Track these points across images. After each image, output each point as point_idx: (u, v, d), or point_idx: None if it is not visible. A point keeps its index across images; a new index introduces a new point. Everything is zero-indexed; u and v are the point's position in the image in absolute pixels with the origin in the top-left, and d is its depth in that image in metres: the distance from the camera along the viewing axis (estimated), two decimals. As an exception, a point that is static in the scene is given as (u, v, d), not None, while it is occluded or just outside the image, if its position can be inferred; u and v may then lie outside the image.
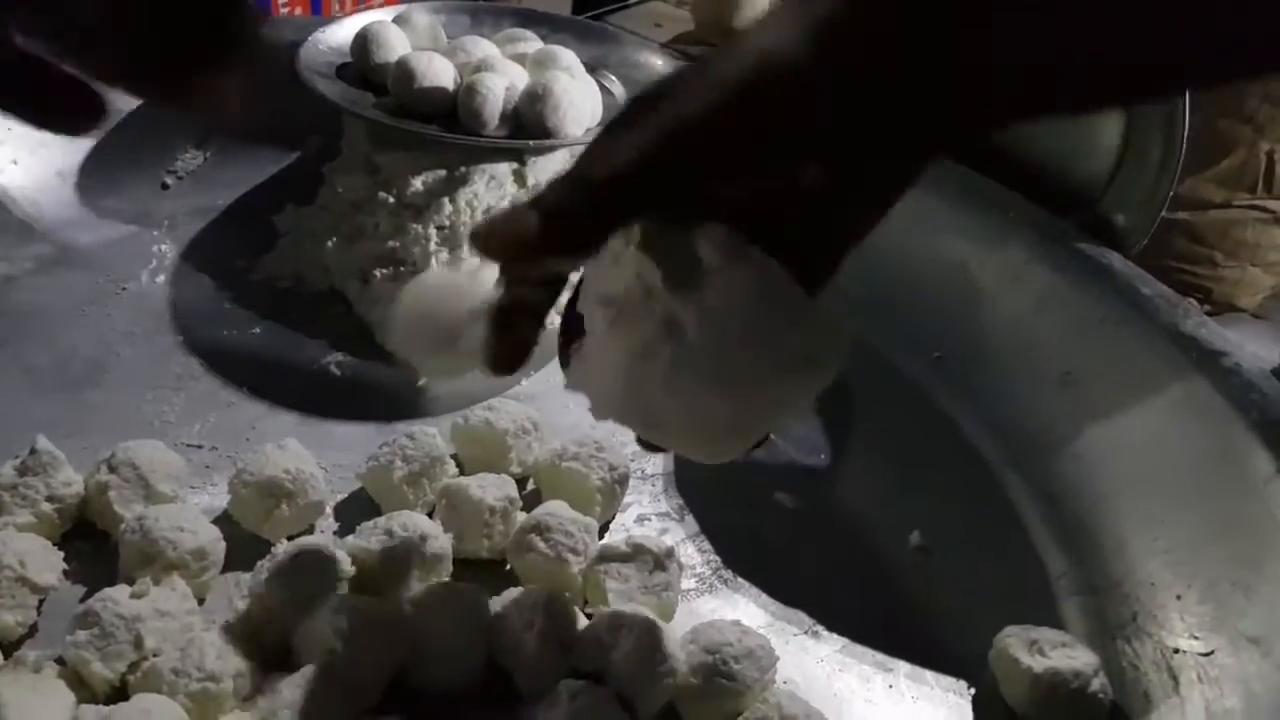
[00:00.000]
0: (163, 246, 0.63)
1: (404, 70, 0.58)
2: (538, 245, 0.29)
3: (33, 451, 0.44)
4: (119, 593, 0.39)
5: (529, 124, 0.57)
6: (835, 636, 0.46)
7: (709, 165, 0.30)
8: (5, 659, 0.39)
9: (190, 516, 0.43)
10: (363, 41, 0.62)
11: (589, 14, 1.11)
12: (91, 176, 0.65)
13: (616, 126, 0.31)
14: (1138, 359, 0.55)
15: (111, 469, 0.44)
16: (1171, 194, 0.61)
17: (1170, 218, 0.64)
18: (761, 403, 0.31)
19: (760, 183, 0.32)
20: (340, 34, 0.64)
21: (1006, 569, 0.51)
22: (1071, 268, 0.59)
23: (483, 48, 0.62)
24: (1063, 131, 0.66)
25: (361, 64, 0.62)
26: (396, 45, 0.61)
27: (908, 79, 0.29)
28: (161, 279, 0.61)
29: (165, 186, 0.67)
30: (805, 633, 0.46)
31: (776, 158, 0.30)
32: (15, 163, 0.63)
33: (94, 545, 0.45)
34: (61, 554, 0.42)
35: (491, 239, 0.30)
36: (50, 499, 0.43)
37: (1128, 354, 0.55)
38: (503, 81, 0.57)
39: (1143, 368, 0.54)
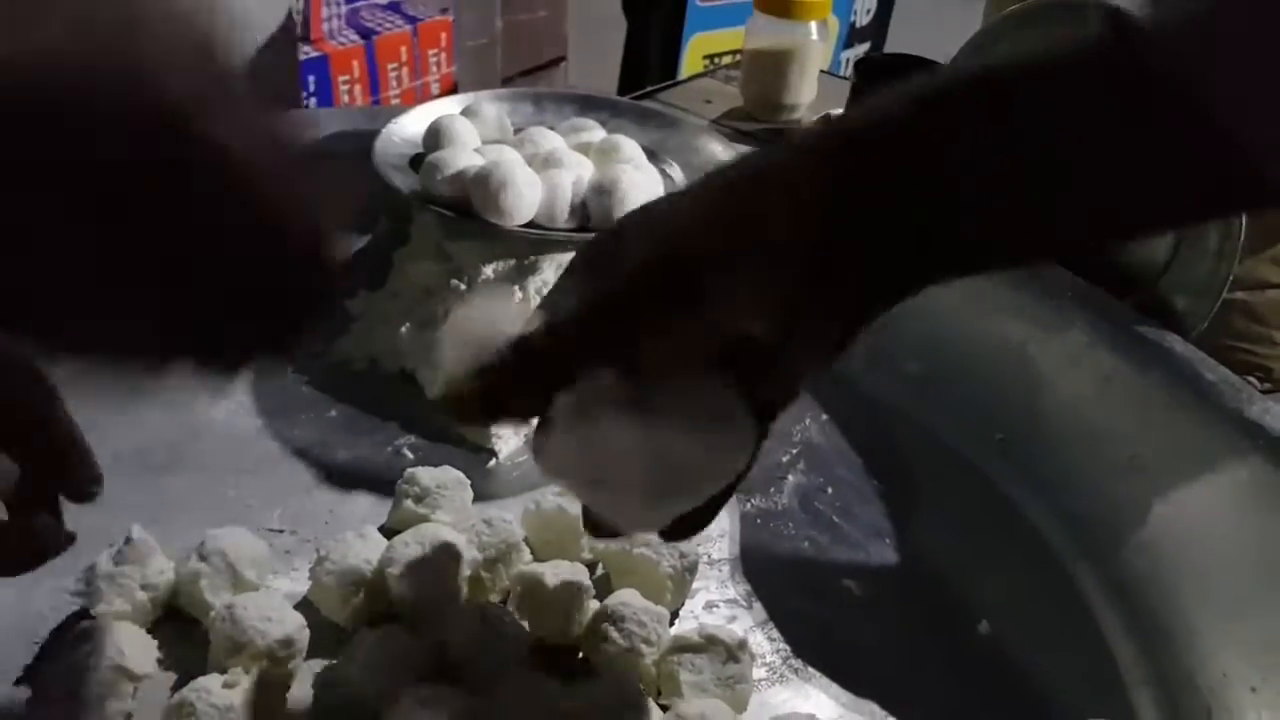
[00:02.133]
0: (241, 330, 0.65)
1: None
2: (489, 410, 0.34)
3: (128, 541, 0.46)
4: (212, 682, 0.41)
5: (596, 216, 0.59)
6: (907, 728, 0.46)
7: (634, 330, 0.33)
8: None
9: (276, 604, 0.44)
10: (434, 134, 0.64)
11: (639, 92, 1.14)
12: (174, 263, 0.68)
13: (558, 288, 0.36)
14: (1203, 444, 0.55)
15: (202, 557, 0.46)
16: (1231, 278, 0.62)
17: (1229, 297, 0.64)
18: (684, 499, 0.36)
19: (695, 340, 0.34)
20: (412, 127, 0.67)
21: (1076, 659, 0.51)
22: (1132, 351, 0.60)
23: (549, 139, 0.64)
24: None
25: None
26: (467, 139, 0.63)
27: (834, 256, 0.32)
28: (241, 363, 0.63)
29: (243, 271, 0.70)
30: (877, 724, 0.46)
31: (706, 317, 0.33)
32: (103, 251, 0.66)
33: (182, 631, 0.46)
34: (155, 642, 0.44)
35: (449, 404, 0.35)
36: (144, 587, 0.45)
37: (1193, 439, 0.55)
38: (570, 176, 0.59)
39: (1208, 453, 0.54)
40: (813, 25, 0.86)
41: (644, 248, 0.33)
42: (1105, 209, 0.32)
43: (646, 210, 0.36)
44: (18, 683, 0.43)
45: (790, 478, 0.59)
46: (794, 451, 0.61)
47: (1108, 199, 0.32)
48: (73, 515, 0.51)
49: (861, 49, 2.06)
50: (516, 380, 0.34)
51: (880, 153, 0.32)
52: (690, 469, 0.35)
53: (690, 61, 1.77)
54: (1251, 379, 0.79)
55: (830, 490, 0.59)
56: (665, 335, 0.33)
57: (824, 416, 0.64)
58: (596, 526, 0.42)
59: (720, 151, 0.75)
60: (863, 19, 2.06)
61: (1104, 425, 0.59)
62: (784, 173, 0.33)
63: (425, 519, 0.50)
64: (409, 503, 0.51)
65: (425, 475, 0.52)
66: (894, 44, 2.08)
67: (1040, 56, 0.32)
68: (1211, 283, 0.62)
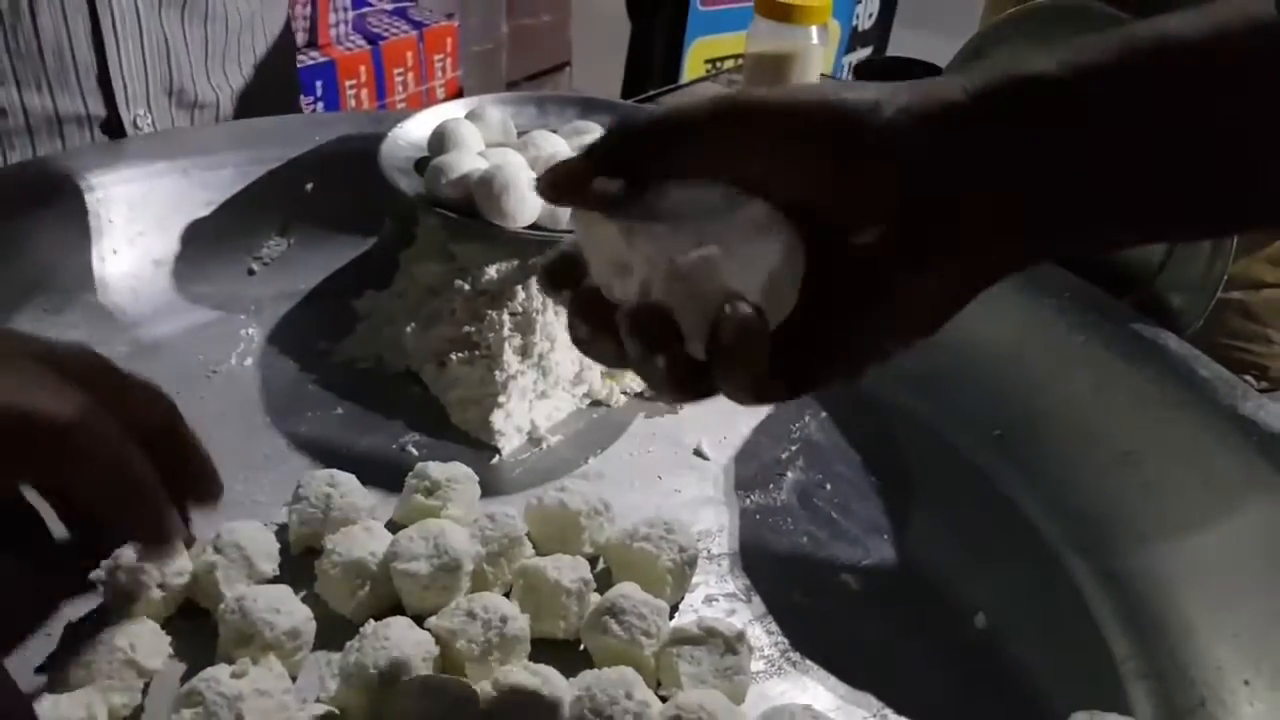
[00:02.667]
0: (250, 330, 0.67)
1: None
2: (584, 175, 0.34)
3: None
4: (220, 672, 0.42)
5: (598, 216, 0.60)
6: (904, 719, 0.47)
7: (756, 140, 0.34)
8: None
9: (285, 597, 0.45)
10: (439, 138, 0.65)
11: (642, 95, 1.15)
12: (183, 265, 0.69)
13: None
14: (1197, 440, 0.56)
15: (218, 550, 0.47)
16: (1226, 276, 0.62)
17: (1224, 297, 0.65)
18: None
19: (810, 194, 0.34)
20: (417, 131, 0.68)
21: (1072, 652, 0.51)
22: (1128, 349, 0.60)
23: (552, 143, 0.65)
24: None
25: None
26: (471, 142, 0.64)
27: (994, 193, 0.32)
28: (249, 362, 0.64)
29: (251, 273, 0.71)
30: (874, 716, 0.47)
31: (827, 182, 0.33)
32: (115, 252, 0.67)
33: (194, 623, 0.47)
34: (169, 638, 0.45)
35: (548, 181, 0.35)
36: (162, 585, 0.46)
37: (1187, 435, 0.56)
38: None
39: (1203, 449, 0.55)
40: (814, 30, 0.87)
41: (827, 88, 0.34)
42: (1245, 192, 0.33)
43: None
44: (39, 670, 0.44)
45: (789, 474, 0.60)
46: (793, 448, 0.62)
47: (1247, 182, 0.32)
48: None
49: (863, 53, 2.06)
50: (614, 151, 0.35)
51: (1034, 113, 0.32)
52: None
53: (692, 66, 1.78)
54: (1248, 378, 0.80)
55: (829, 487, 0.60)
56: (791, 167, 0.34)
57: (823, 414, 0.65)
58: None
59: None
60: (864, 23, 2.07)
61: (1100, 422, 0.59)
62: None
63: (435, 512, 0.51)
64: (419, 496, 0.52)
65: (435, 469, 0.53)
66: (896, 48, 2.08)
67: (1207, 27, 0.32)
68: (1207, 281, 0.63)
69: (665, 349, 0.33)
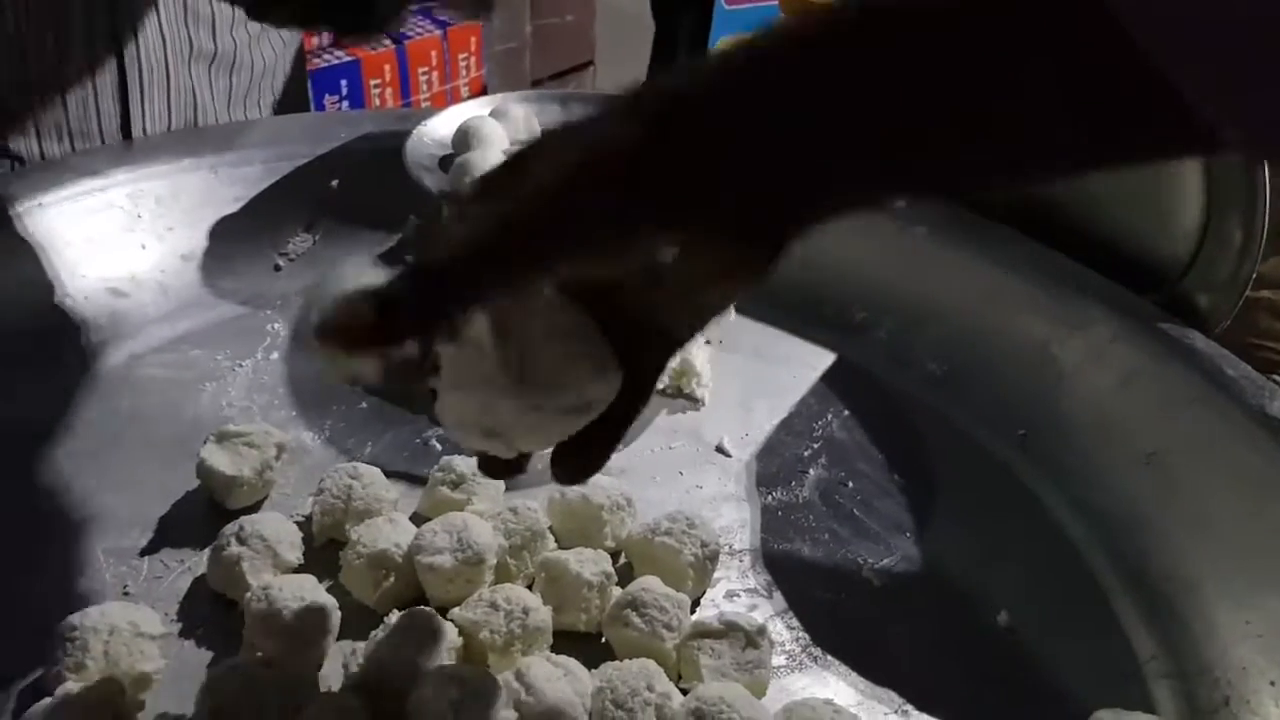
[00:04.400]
0: (275, 325, 0.67)
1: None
2: (374, 335, 0.30)
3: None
4: (246, 659, 0.42)
5: (622, 212, 0.60)
6: (925, 716, 0.47)
7: (538, 249, 0.31)
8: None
9: (310, 586, 0.46)
10: (463, 135, 0.66)
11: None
12: (211, 260, 0.70)
13: (462, 208, 0.34)
14: (1223, 440, 0.55)
15: (241, 541, 0.47)
16: (1254, 275, 0.62)
17: (1253, 295, 0.64)
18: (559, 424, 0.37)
19: (590, 265, 0.33)
20: (441, 129, 0.68)
21: (1096, 650, 0.51)
22: (1154, 348, 0.60)
23: (576, 139, 0.66)
24: (1143, 212, 0.67)
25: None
26: (495, 140, 0.65)
27: (734, 168, 0.31)
28: (275, 356, 0.65)
29: (277, 268, 0.72)
30: (895, 711, 0.47)
31: (605, 239, 0.31)
32: (144, 247, 0.68)
33: (218, 612, 0.48)
34: (159, 614, 0.46)
35: (328, 330, 0.30)
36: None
37: (1213, 435, 0.56)
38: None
39: (1228, 448, 0.55)
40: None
41: (562, 154, 0.31)
42: (1022, 145, 0.31)
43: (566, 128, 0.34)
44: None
45: (811, 472, 0.60)
46: (815, 446, 0.62)
47: (1024, 135, 0.31)
48: (110, 505, 0.53)
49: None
50: (407, 304, 0.30)
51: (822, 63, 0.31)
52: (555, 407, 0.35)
53: (717, 65, 1.78)
54: (1276, 377, 0.79)
55: (851, 484, 0.60)
56: (571, 249, 0.31)
57: (845, 412, 0.65)
58: (488, 464, 0.41)
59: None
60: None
61: (1125, 421, 0.59)
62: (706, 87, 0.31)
63: (459, 505, 0.51)
64: (444, 489, 0.52)
65: (461, 463, 0.53)
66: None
67: None
68: (1235, 280, 0.62)
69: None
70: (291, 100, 0.88)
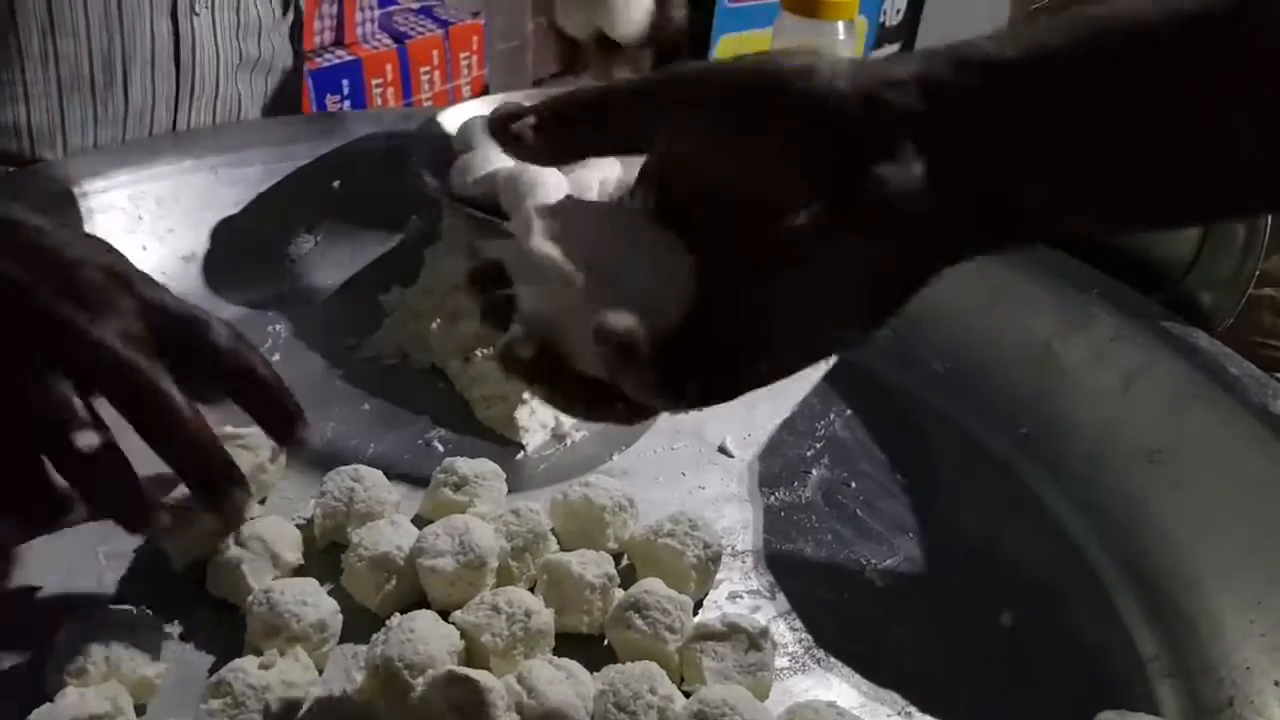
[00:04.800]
0: (277, 326, 0.67)
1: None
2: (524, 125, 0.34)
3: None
4: (248, 663, 0.42)
5: (623, 212, 0.60)
6: (928, 718, 0.47)
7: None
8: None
9: (312, 590, 0.46)
10: (466, 135, 0.65)
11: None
12: (212, 261, 0.70)
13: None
14: (1226, 438, 0.55)
15: (240, 544, 0.47)
16: (1256, 273, 0.62)
17: (1256, 293, 0.64)
18: None
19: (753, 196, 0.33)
20: (444, 128, 0.68)
21: (1099, 650, 0.51)
22: (1157, 346, 0.60)
23: (577, 139, 0.65)
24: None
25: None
26: (497, 138, 0.64)
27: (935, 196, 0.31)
28: (277, 357, 0.65)
29: (279, 269, 0.72)
30: (899, 713, 0.47)
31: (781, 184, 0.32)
32: (145, 249, 0.68)
33: (219, 616, 0.48)
34: (160, 619, 0.46)
35: (496, 119, 0.35)
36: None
37: (1216, 433, 0.56)
38: (597, 176, 0.60)
39: (1231, 447, 0.55)
40: (840, 25, 0.86)
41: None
42: (1216, 183, 0.32)
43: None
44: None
45: (814, 472, 0.60)
46: (818, 446, 0.62)
47: (1220, 174, 0.31)
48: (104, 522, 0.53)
49: (891, 49, 2.05)
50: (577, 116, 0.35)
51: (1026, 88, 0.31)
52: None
53: (719, 62, 1.77)
54: (1279, 376, 0.79)
55: (854, 484, 0.59)
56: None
57: (848, 412, 0.65)
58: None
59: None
60: (892, 18, 2.06)
61: (1128, 419, 0.59)
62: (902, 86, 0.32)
63: (462, 507, 0.51)
64: (446, 490, 0.52)
65: (464, 465, 0.53)
66: (924, 44, 2.07)
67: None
68: (1238, 278, 0.62)
69: (544, 379, 0.35)
70: (291, 97, 0.88)
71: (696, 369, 0.33)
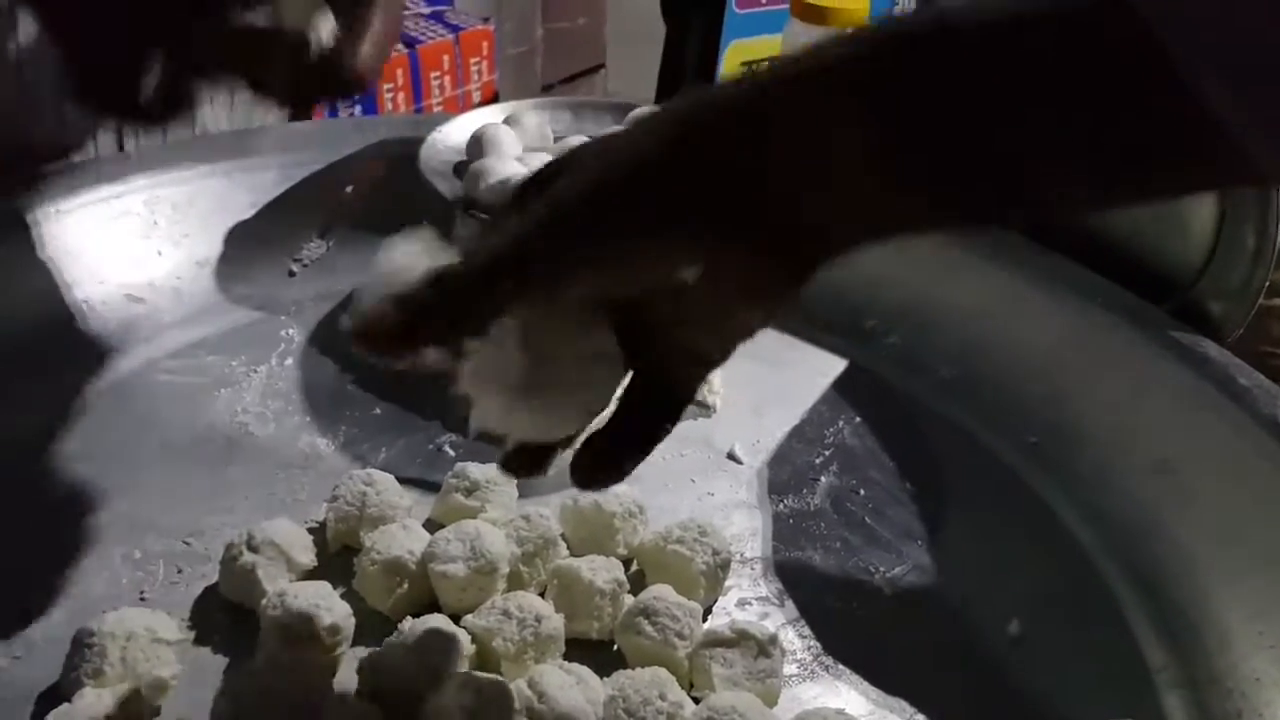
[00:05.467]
0: (290, 331, 0.68)
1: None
2: (400, 340, 0.32)
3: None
4: (263, 665, 0.43)
5: (634, 220, 0.60)
6: (936, 725, 0.47)
7: (571, 257, 0.32)
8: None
9: (325, 593, 0.46)
10: (477, 142, 0.66)
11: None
12: (226, 266, 0.70)
13: (499, 215, 0.36)
14: (1235, 449, 0.55)
15: (253, 549, 0.48)
16: (1267, 283, 0.62)
17: (1266, 304, 0.64)
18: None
19: (627, 278, 0.34)
20: (456, 135, 0.68)
21: (1107, 660, 0.51)
22: (1166, 356, 0.60)
23: (589, 146, 0.66)
24: (1155, 219, 0.67)
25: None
26: (509, 147, 0.65)
27: (783, 189, 0.31)
28: (290, 362, 0.65)
29: (292, 274, 0.72)
30: (906, 721, 0.47)
31: (646, 250, 0.32)
32: (160, 254, 0.69)
33: (233, 619, 0.48)
34: (175, 620, 0.46)
35: (359, 334, 0.32)
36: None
37: (1225, 444, 0.56)
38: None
39: (1241, 458, 0.55)
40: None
41: (599, 164, 0.32)
42: (1072, 174, 0.31)
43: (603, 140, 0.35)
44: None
45: (823, 479, 0.60)
46: (827, 454, 0.62)
47: (1075, 165, 0.30)
48: (126, 510, 0.53)
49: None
50: (433, 313, 0.32)
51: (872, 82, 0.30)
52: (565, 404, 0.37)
53: (728, 68, 1.77)
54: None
55: (863, 492, 0.60)
56: (605, 261, 0.32)
57: (857, 419, 0.65)
58: (511, 461, 0.42)
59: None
60: (901, 25, 2.06)
61: (1137, 429, 0.59)
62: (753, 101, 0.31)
63: (473, 512, 0.52)
64: (458, 495, 0.52)
65: (475, 470, 0.53)
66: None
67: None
68: (1247, 288, 0.62)
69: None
70: None
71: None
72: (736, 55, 1.80)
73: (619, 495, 0.53)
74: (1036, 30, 0.29)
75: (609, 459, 0.39)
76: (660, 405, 0.39)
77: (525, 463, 0.41)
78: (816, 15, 0.86)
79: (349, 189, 0.75)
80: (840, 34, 0.32)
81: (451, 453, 0.60)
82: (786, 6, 0.88)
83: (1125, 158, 0.30)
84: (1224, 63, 0.26)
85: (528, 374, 0.35)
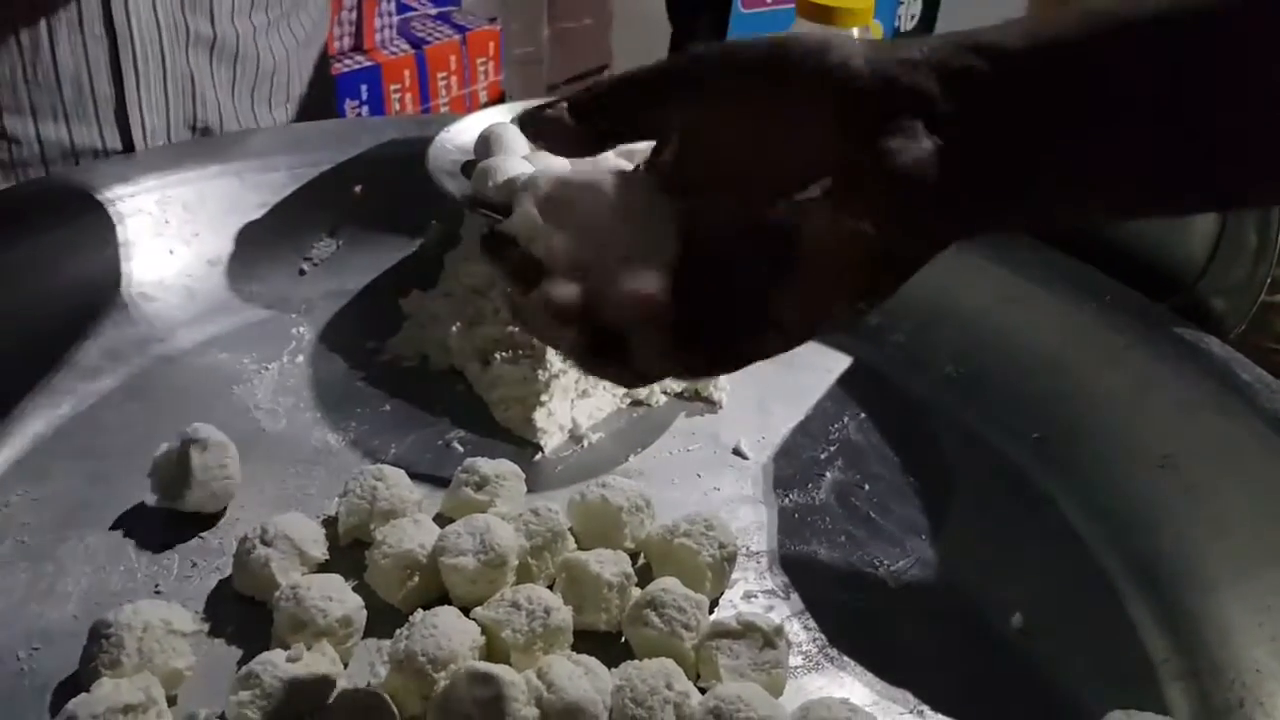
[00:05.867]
0: (300, 329, 0.68)
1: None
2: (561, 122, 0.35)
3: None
4: (276, 656, 0.43)
5: (640, 218, 0.61)
6: (940, 716, 0.47)
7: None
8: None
9: (337, 586, 0.47)
10: (485, 141, 0.66)
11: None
12: (237, 265, 0.71)
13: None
14: (1237, 444, 0.56)
15: (266, 543, 0.48)
16: (1269, 279, 0.62)
17: (1269, 300, 0.64)
18: None
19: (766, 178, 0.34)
20: (463, 135, 0.69)
21: (1109, 652, 0.51)
22: (1170, 352, 0.61)
23: (595, 145, 0.66)
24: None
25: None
26: (516, 146, 0.65)
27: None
28: (300, 359, 0.66)
29: (302, 273, 0.73)
30: (910, 711, 0.47)
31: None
32: (172, 253, 0.70)
33: (246, 612, 0.49)
34: (190, 612, 0.47)
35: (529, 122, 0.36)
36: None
37: (1227, 438, 0.56)
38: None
39: (1243, 452, 0.55)
40: (855, 32, 0.87)
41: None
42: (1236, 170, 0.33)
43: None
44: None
45: (828, 474, 0.61)
46: (832, 449, 0.63)
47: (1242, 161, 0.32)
48: (140, 505, 0.54)
49: (906, 54, 2.05)
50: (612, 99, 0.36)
51: (1047, 75, 0.32)
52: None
53: (734, 68, 1.78)
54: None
55: (867, 487, 0.60)
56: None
57: (861, 415, 0.65)
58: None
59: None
60: (907, 24, 2.06)
61: (1141, 425, 0.60)
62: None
63: (483, 506, 0.52)
64: (468, 490, 0.53)
65: (485, 465, 0.54)
66: (939, 49, 2.07)
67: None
68: (1250, 284, 0.62)
69: (570, 321, 0.34)
70: (315, 105, 0.88)
71: (699, 337, 0.34)
72: (742, 55, 1.80)
73: (625, 490, 0.53)
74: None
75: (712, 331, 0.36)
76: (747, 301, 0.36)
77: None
78: (822, 14, 0.86)
79: (358, 189, 0.76)
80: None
81: (460, 449, 0.61)
82: (792, 6, 0.88)
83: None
84: None
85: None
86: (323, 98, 0.91)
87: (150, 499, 0.53)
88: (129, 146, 0.76)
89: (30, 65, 0.71)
